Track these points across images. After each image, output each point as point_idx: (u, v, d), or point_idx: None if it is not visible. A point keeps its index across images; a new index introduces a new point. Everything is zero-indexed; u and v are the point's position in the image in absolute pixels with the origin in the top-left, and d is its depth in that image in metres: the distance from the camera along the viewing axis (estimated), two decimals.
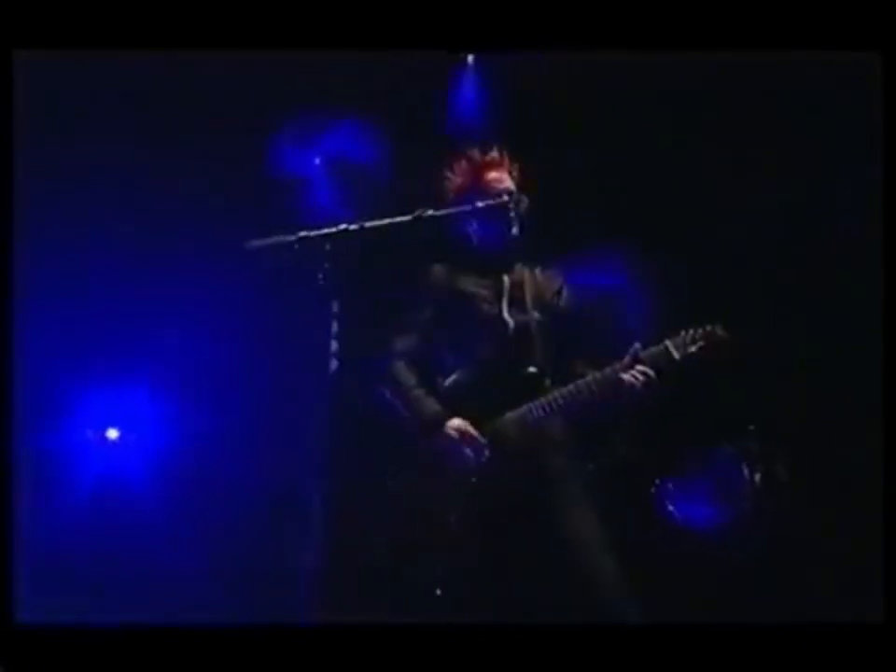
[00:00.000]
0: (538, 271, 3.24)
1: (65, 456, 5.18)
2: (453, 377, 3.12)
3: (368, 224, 2.51)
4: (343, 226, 2.48)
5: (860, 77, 4.06)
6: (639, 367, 2.87)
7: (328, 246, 2.44)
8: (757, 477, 4.62)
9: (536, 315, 3.11)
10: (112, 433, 5.27)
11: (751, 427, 4.75)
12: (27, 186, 3.70)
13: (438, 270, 3.19)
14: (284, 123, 5.31)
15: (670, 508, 4.60)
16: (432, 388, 3.10)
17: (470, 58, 5.40)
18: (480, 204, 2.99)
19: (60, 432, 5.19)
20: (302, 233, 2.46)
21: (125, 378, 5.19)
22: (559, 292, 3.19)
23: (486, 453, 2.95)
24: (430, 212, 2.70)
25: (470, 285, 3.16)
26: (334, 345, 2.45)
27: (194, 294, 5.11)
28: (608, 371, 2.91)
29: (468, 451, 2.96)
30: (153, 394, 5.23)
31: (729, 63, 4.66)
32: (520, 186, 3.15)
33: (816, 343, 5.14)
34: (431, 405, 3.06)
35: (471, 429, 2.97)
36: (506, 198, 3.07)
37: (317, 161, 5.48)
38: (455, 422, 3.00)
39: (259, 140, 5.24)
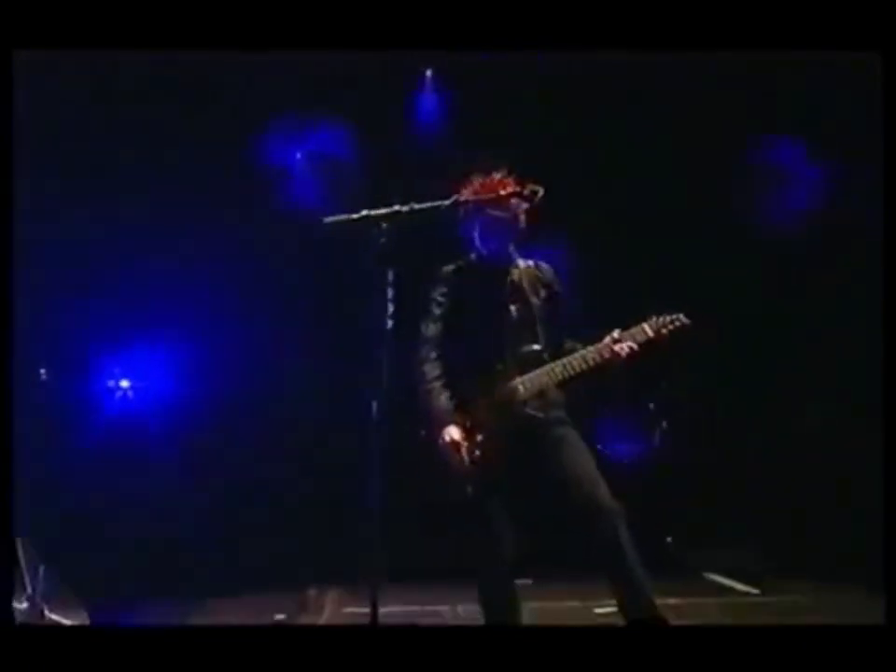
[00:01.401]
0: (531, 262, 3.46)
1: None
2: (469, 358, 3.32)
3: (416, 206, 2.85)
4: (396, 207, 2.81)
5: (860, 77, 4.07)
6: (627, 342, 3.21)
7: (384, 224, 2.78)
8: None
9: (534, 301, 3.35)
10: (124, 383, 5.81)
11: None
12: (27, 184, 3.72)
13: (447, 271, 3.40)
14: (270, 121, 5.60)
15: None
16: (449, 381, 3.27)
17: (428, 72, 5.78)
18: (502, 192, 3.17)
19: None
20: (364, 212, 2.79)
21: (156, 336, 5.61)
22: (549, 283, 3.43)
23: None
24: (464, 198, 3.11)
25: (477, 282, 3.36)
26: (390, 308, 2.74)
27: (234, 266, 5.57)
28: (599, 345, 3.24)
29: (452, 460, 3.17)
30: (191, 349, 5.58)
31: (729, 62, 4.68)
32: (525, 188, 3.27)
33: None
34: (442, 402, 3.23)
35: (464, 450, 3.17)
36: (518, 188, 3.20)
37: (298, 155, 5.89)
38: (454, 433, 3.18)
39: (248, 135, 5.52)
